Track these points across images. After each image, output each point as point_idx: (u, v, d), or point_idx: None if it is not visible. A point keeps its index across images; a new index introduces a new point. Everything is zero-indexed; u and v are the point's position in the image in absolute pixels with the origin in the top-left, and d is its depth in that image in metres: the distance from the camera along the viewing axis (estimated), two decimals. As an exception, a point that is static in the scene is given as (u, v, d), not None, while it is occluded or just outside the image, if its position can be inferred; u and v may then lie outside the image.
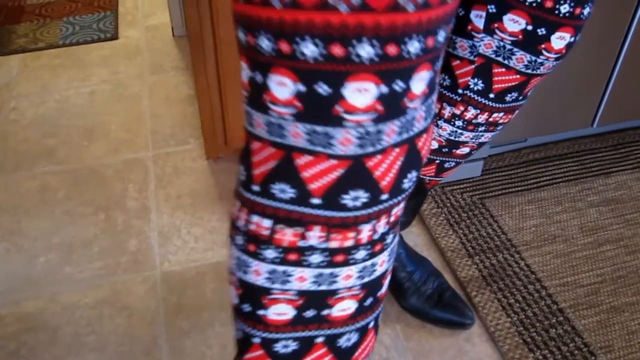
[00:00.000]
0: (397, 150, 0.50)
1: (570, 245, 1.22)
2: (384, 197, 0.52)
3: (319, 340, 0.58)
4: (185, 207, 1.35)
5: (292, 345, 0.58)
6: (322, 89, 0.45)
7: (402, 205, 0.56)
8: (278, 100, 0.48)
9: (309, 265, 0.55)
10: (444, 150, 0.90)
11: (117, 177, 1.43)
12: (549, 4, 0.70)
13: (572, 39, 0.73)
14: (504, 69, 0.78)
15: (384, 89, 0.46)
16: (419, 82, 0.48)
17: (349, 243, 0.54)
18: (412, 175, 0.54)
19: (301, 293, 0.56)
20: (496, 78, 0.80)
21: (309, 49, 0.44)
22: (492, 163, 1.42)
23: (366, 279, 0.57)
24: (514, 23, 0.73)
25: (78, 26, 2.12)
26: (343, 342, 0.59)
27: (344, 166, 0.49)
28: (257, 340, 0.59)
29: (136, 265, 1.22)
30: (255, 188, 0.54)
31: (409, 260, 1.09)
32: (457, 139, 0.88)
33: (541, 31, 0.73)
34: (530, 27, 0.72)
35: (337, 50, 0.44)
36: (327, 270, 0.55)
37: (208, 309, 1.13)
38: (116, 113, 1.65)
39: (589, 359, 1.01)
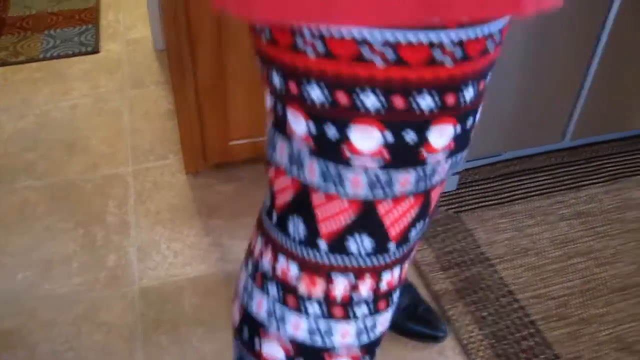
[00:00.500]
0: (412, 199, 0.50)
1: (541, 258, 1.25)
2: (391, 246, 0.52)
3: None
4: (164, 222, 1.36)
5: None
6: (410, 136, 0.46)
7: (409, 259, 0.55)
8: (295, 132, 0.48)
9: (305, 313, 0.54)
10: None
11: (96, 192, 1.44)
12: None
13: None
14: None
15: (390, 137, 0.46)
16: (440, 136, 0.47)
17: (348, 294, 0.52)
18: (421, 225, 0.53)
19: (294, 341, 0.55)
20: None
21: (316, 94, 0.45)
22: (468, 177, 1.45)
23: (365, 339, 0.55)
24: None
25: (59, 39, 2.12)
26: None
27: (355, 209, 0.49)
28: None
29: (115, 280, 1.23)
30: (274, 218, 0.54)
31: (384, 274, 1.11)
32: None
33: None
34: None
35: (342, 98, 0.45)
36: (324, 323, 0.54)
37: (186, 324, 1.14)
38: (97, 128, 1.66)
39: (559, 371, 1.03)
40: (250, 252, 0.58)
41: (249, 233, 1.32)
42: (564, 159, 1.51)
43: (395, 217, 0.50)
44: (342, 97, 0.45)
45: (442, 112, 0.46)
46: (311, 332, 0.54)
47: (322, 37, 0.42)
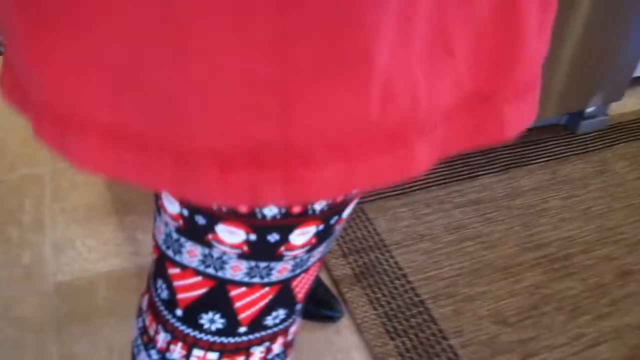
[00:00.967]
0: (267, 288, 0.53)
1: (435, 243, 1.36)
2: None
3: None
4: (80, 219, 1.40)
5: None
6: (273, 237, 0.48)
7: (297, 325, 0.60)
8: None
9: None
10: None
11: (13, 192, 1.47)
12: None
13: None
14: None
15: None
16: (301, 235, 0.49)
17: (264, 356, 0.57)
18: (284, 311, 0.57)
19: None
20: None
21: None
22: (373, 170, 1.55)
23: None
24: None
25: (-23, 40, 2.11)
26: None
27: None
28: None
29: (29, 277, 1.27)
30: (179, 313, 0.54)
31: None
32: None
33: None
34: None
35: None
36: None
37: (99, 315, 1.20)
38: (15, 129, 1.68)
39: (442, 343, 1.14)
40: (149, 339, 0.58)
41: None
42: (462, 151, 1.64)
43: (248, 302, 0.54)
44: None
45: (309, 217, 0.48)
46: None
47: None
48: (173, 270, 0.53)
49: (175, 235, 0.51)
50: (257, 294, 0.53)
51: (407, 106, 0.39)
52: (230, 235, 0.48)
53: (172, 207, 0.49)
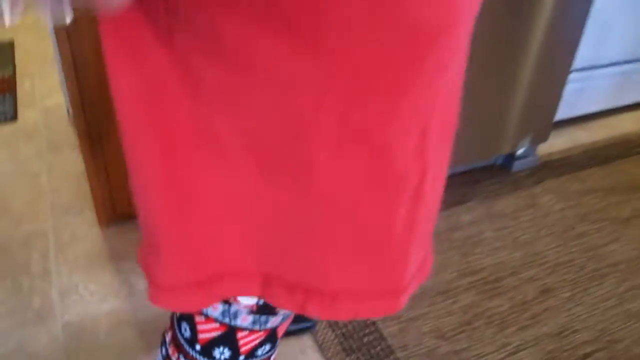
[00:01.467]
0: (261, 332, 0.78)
1: (385, 273, 1.60)
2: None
3: None
4: (81, 267, 1.63)
5: None
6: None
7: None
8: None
9: None
10: None
11: (21, 246, 1.69)
12: None
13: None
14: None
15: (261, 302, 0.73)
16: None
17: None
18: (268, 347, 0.81)
19: None
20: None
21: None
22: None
23: None
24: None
25: (-21, 110, 2.35)
26: None
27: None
28: None
29: (40, 319, 1.48)
30: (198, 347, 0.74)
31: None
32: None
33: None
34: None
35: None
36: None
37: (102, 349, 1.42)
38: (18, 190, 1.91)
39: (390, 356, 1.38)
40: None
41: (153, 271, 1.61)
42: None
43: (248, 340, 0.78)
44: None
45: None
46: None
47: None
48: (199, 318, 0.76)
49: None
50: (255, 336, 0.77)
51: (407, 276, 0.68)
52: (248, 299, 0.72)
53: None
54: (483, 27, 1.58)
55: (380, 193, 0.56)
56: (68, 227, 1.76)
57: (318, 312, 0.65)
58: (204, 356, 0.76)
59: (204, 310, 0.73)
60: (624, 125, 2.42)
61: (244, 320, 0.73)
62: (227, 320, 0.73)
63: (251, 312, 0.73)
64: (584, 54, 2.12)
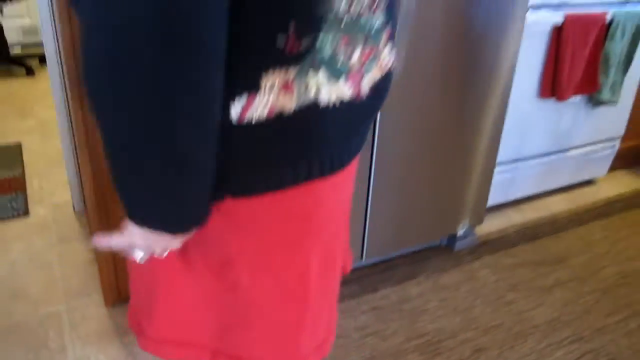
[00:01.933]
0: None
1: (346, 340, 1.94)
2: None
3: None
4: (92, 343, 1.94)
5: None
6: None
7: None
8: None
9: None
10: None
11: (40, 325, 2.00)
12: None
13: None
14: None
15: None
16: None
17: None
18: None
19: None
20: None
21: None
22: (304, 289, 2.16)
23: None
24: None
25: (-5, 207, 2.69)
26: None
27: None
28: None
29: (59, 387, 1.78)
30: None
31: None
32: None
33: None
34: None
35: None
36: None
37: (112, 409, 1.71)
38: (34, 277, 2.23)
39: (349, 407, 1.70)
40: None
41: (153, 344, 1.93)
42: (366, 272, 2.26)
43: None
44: None
45: None
46: None
47: None
48: None
49: None
50: None
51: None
52: None
53: None
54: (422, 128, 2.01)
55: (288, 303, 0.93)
56: (79, 308, 2.08)
57: None
58: None
59: None
60: (552, 206, 2.85)
61: None
62: None
63: None
64: (508, 149, 2.56)
